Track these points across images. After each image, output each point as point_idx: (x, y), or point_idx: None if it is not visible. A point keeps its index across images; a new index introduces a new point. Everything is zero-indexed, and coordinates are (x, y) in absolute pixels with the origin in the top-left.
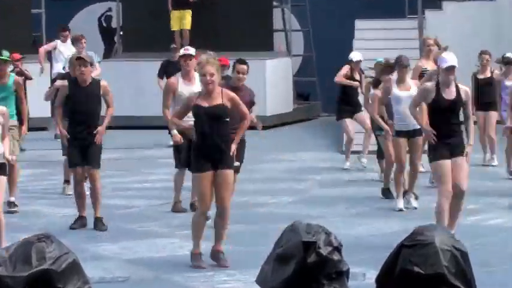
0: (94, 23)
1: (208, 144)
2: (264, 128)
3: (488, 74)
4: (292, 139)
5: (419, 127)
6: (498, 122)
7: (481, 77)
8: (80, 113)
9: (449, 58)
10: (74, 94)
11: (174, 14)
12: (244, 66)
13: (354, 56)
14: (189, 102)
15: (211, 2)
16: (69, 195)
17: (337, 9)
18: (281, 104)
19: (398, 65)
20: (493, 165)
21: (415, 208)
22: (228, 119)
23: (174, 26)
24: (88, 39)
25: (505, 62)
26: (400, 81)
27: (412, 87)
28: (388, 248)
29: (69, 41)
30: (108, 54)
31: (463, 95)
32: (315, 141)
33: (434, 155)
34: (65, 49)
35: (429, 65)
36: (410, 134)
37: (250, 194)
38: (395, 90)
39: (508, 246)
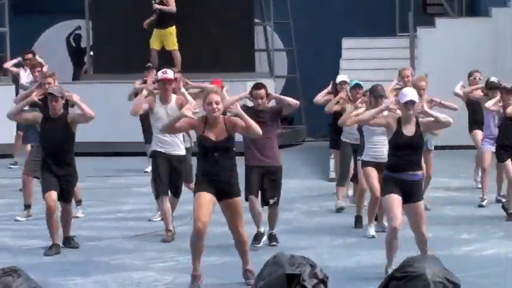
0: (62, 42)
1: (215, 177)
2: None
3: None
4: None
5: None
6: None
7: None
8: (50, 145)
9: (408, 92)
10: (44, 126)
11: (156, 33)
12: (262, 91)
13: (339, 78)
14: (193, 123)
15: (191, 21)
16: (17, 221)
17: (323, 27)
18: None
19: (373, 95)
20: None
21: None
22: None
23: (154, 44)
24: (56, 60)
25: (489, 87)
26: None
27: None
28: (376, 280)
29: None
30: (77, 75)
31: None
32: (300, 168)
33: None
34: (24, 76)
35: None
36: (382, 166)
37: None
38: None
39: (504, 278)
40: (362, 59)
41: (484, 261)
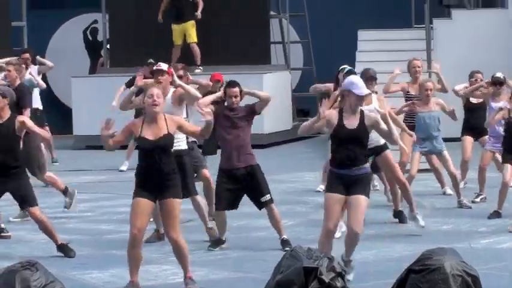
0: (79, 36)
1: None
2: (262, 146)
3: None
4: (292, 158)
5: (382, 143)
6: None
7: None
8: None
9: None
10: None
11: (176, 28)
12: (236, 89)
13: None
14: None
15: (207, 14)
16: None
17: (339, 19)
18: (280, 121)
19: (365, 77)
20: None
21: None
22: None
23: (177, 40)
24: (73, 54)
25: (494, 82)
26: None
27: (373, 102)
28: (395, 273)
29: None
30: (94, 69)
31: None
32: (316, 160)
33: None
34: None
35: (414, 90)
36: (377, 151)
37: (248, 217)
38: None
39: None
40: (378, 51)
41: (502, 253)
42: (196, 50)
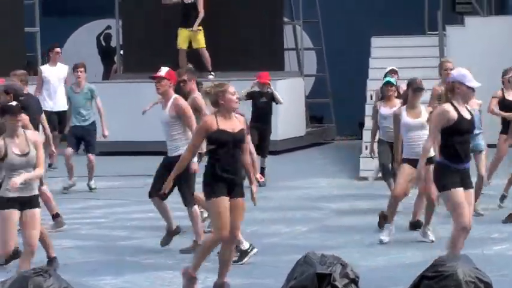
0: (92, 42)
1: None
2: (276, 153)
3: None
4: (305, 165)
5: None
6: None
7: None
8: None
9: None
10: None
11: (183, 32)
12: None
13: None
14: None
15: (221, 20)
16: None
17: (353, 26)
18: (293, 128)
19: (413, 89)
20: None
21: (432, 241)
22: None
23: (182, 45)
24: (86, 59)
25: None
26: (412, 106)
27: (423, 114)
28: (406, 280)
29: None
30: (107, 75)
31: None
32: (329, 166)
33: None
34: (51, 73)
35: None
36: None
37: (261, 223)
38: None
39: None
40: (391, 58)
41: None
42: (206, 55)
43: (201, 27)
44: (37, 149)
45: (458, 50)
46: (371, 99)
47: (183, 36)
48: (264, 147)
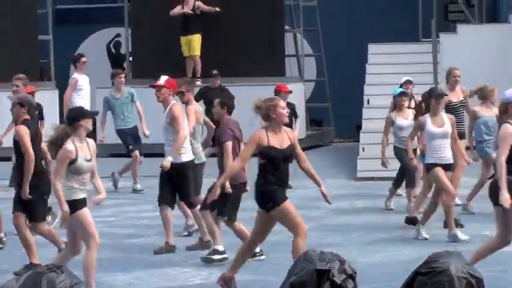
0: (103, 49)
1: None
2: None
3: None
4: None
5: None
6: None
7: None
8: None
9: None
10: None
11: (183, 40)
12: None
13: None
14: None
15: (221, 27)
16: None
17: (350, 33)
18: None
19: (435, 96)
20: None
21: (426, 239)
22: None
23: (185, 52)
24: (97, 66)
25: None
26: (434, 114)
27: (446, 123)
28: (402, 276)
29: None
30: None
31: None
32: (328, 168)
33: None
34: (84, 81)
35: (454, 97)
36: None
37: None
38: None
39: None
40: (387, 64)
41: (506, 257)
42: (199, 62)
43: (198, 37)
44: (94, 157)
45: (451, 57)
46: (368, 103)
47: (184, 44)
48: None
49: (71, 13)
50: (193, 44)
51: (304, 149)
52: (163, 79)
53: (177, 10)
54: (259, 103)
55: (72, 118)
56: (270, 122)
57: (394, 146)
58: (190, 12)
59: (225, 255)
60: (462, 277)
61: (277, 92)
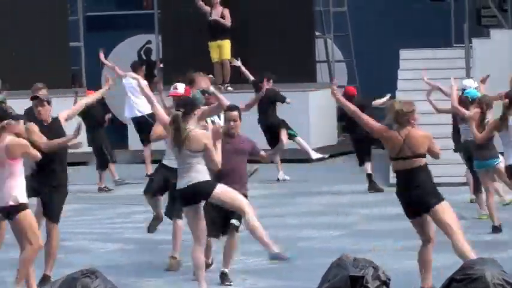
0: (133, 56)
1: None
2: (308, 161)
3: None
4: (336, 172)
5: None
6: None
7: None
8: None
9: None
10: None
11: (212, 45)
12: (235, 113)
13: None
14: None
15: (251, 33)
16: None
17: (381, 39)
18: (325, 136)
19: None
20: None
21: None
22: None
23: (214, 57)
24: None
25: None
26: None
27: None
28: (438, 283)
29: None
30: (150, 87)
31: None
32: (361, 174)
33: None
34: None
35: None
36: None
37: (294, 227)
38: None
39: None
40: (419, 69)
41: None
42: (227, 67)
43: (228, 42)
44: None
45: (484, 62)
46: None
47: (213, 49)
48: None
49: (102, 20)
50: (224, 49)
51: (335, 155)
52: (181, 87)
53: (206, 9)
54: (399, 106)
55: None
56: (404, 125)
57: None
58: (217, 19)
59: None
60: (498, 284)
61: (349, 94)
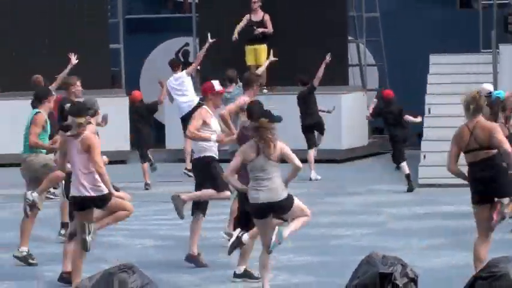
0: (171, 58)
1: None
2: (339, 161)
3: None
4: (367, 173)
5: None
6: None
7: None
8: None
9: None
10: None
11: (249, 49)
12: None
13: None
14: None
15: (286, 38)
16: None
17: (412, 44)
18: (356, 138)
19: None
20: None
21: None
22: None
23: (249, 61)
24: (166, 74)
25: None
26: None
27: None
28: (463, 280)
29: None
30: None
31: None
32: (389, 175)
33: None
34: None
35: None
36: None
37: (326, 226)
38: None
39: None
40: (448, 74)
41: None
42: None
43: (265, 46)
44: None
45: (510, 67)
46: (429, 112)
47: (249, 53)
48: None
49: (141, 23)
50: (260, 53)
51: (365, 156)
52: (217, 84)
53: (245, 19)
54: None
55: None
56: (479, 115)
57: None
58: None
59: None
60: None
61: (387, 98)
